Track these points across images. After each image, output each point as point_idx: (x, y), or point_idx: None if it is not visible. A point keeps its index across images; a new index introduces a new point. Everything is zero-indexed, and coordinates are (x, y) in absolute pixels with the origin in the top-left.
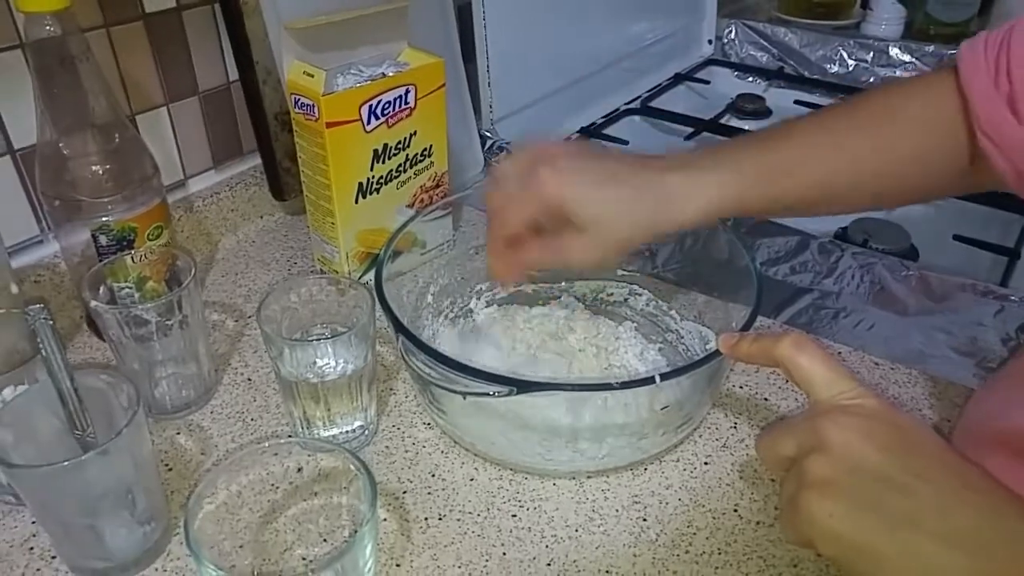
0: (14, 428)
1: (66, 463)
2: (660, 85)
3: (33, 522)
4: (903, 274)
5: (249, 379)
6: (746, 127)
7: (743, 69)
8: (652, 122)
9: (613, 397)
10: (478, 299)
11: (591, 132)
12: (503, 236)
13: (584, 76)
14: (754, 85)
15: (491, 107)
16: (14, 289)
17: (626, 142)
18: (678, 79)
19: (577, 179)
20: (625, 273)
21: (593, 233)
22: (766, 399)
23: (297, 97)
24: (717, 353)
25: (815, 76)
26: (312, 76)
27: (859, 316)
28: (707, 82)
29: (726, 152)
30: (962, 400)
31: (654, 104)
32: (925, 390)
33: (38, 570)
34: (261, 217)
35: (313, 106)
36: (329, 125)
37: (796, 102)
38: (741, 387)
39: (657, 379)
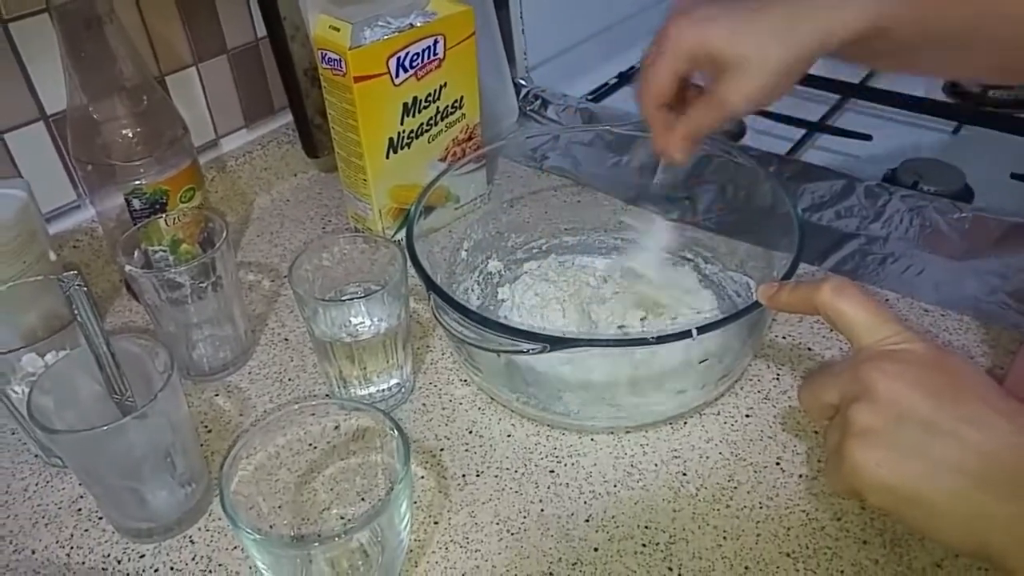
0: (54, 393)
1: (105, 427)
2: None
3: (80, 484)
4: (956, 216)
5: (286, 339)
6: None
7: None
8: None
9: (650, 351)
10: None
11: (629, 77)
12: (657, 104)
13: (622, 19)
14: None
15: (525, 54)
16: (52, 256)
17: None
18: None
19: (715, 21)
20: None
21: (751, 68)
22: (809, 349)
23: (324, 52)
24: (756, 304)
25: None
26: (338, 30)
27: (908, 261)
28: None
29: None
30: (1016, 348)
31: None
32: (977, 337)
33: (86, 530)
34: (295, 175)
35: (340, 60)
36: (357, 79)
37: None
38: (784, 337)
39: (694, 333)
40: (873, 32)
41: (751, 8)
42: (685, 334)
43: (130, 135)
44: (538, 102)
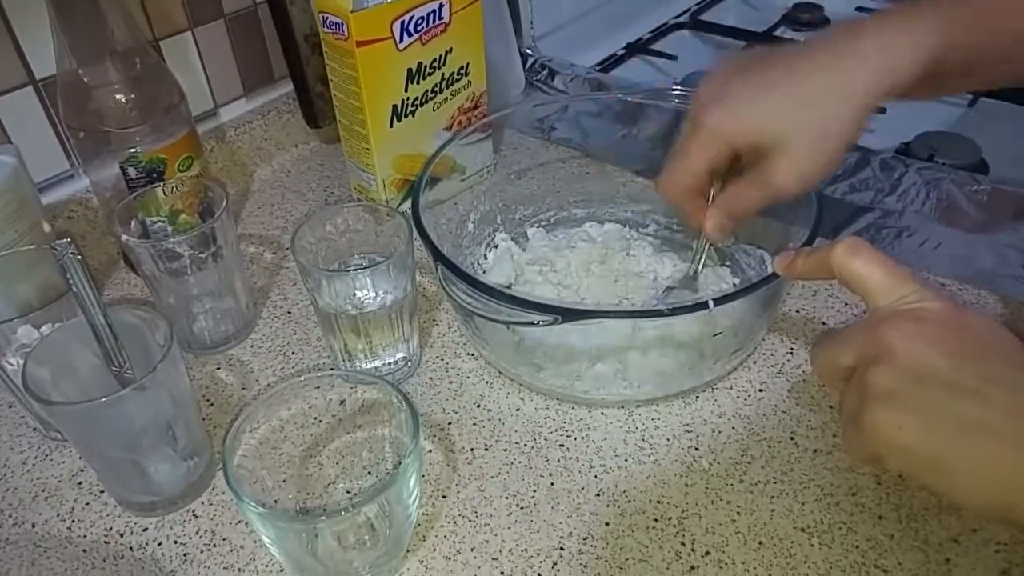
0: (51, 365)
1: (103, 399)
2: None
3: (80, 457)
4: (974, 189)
5: (289, 312)
6: (802, 40)
7: None
8: (702, 36)
9: (664, 323)
10: (529, 225)
11: (637, 48)
12: (690, 196)
13: None
14: None
15: (531, 23)
16: (46, 228)
17: (674, 58)
18: None
19: (751, 102)
20: None
21: (796, 147)
22: (824, 322)
23: (325, 15)
24: (773, 276)
25: None
26: None
27: (924, 235)
28: None
29: (916, 6)
30: None
31: (704, 17)
32: (995, 311)
33: (87, 504)
34: (295, 146)
35: (342, 24)
36: (360, 44)
37: (858, 9)
38: (798, 311)
39: (710, 304)
40: (932, 69)
41: (784, 75)
42: (702, 305)
43: (124, 101)
44: (545, 72)
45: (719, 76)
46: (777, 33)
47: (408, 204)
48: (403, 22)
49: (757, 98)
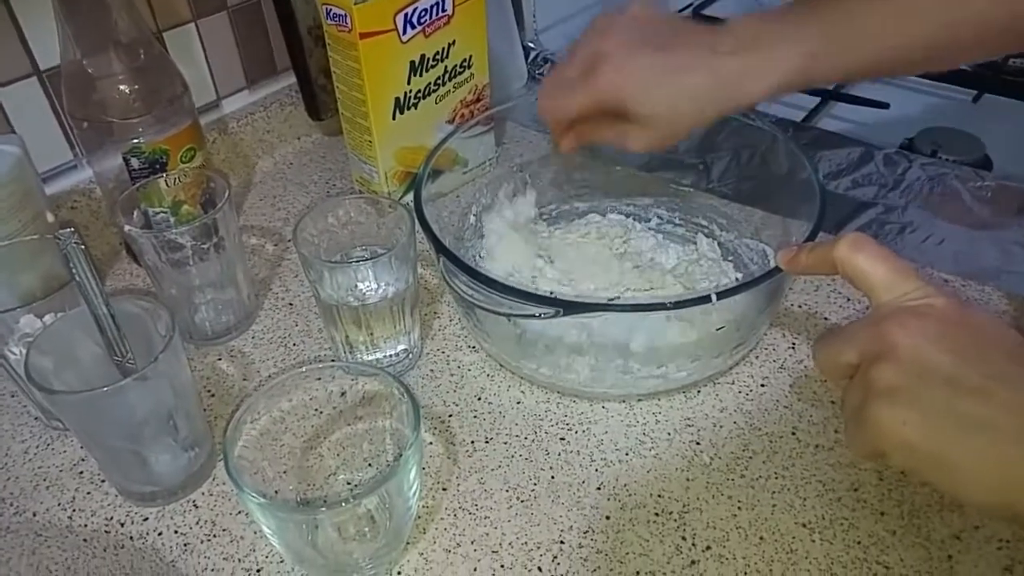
0: (54, 354)
1: (105, 389)
2: None
3: (81, 447)
4: (978, 184)
5: (290, 304)
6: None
7: None
8: None
9: (665, 317)
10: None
11: None
12: (558, 120)
13: None
14: None
15: (534, 16)
16: (50, 217)
17: None
18: None
19: (638, 76)
20: (678, 188)
21: (655, 125)
22: (826, 318)
23: (329, 7)
24: (776, 270)
25: None
26: None
27: (927, 231)
28: None
29: (795, 20)
30: None
31: (707, 11)
32: (999, 308)
33: (88, 493)
34: (298, 138)
35: (345, 16)
36: (363, 36)
37: None
38: (800, 306)
39: (713, 298)
40: (799, 85)
41: (678, 63)
42: (704, 299)
43: (127, 91)
44: (547, 65)
45: (622, 32)
46: None
47: (410, 196)
48: (406, 14)
49: (646, 72)
